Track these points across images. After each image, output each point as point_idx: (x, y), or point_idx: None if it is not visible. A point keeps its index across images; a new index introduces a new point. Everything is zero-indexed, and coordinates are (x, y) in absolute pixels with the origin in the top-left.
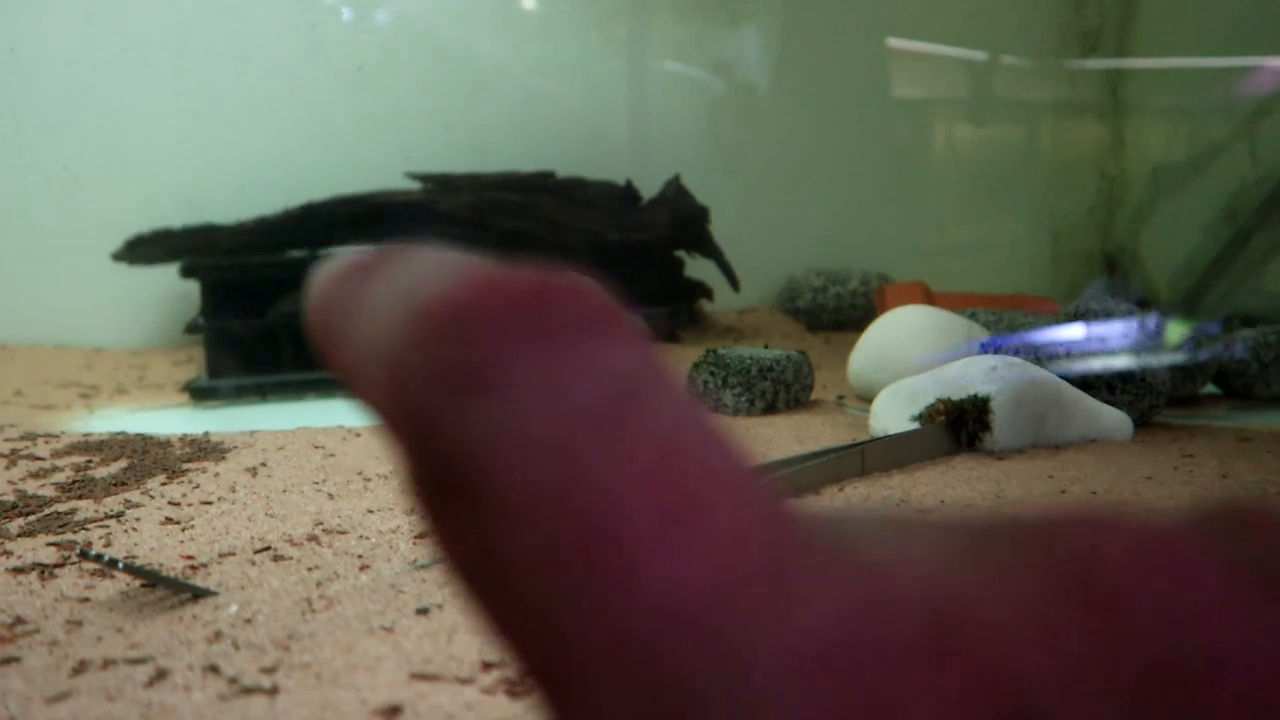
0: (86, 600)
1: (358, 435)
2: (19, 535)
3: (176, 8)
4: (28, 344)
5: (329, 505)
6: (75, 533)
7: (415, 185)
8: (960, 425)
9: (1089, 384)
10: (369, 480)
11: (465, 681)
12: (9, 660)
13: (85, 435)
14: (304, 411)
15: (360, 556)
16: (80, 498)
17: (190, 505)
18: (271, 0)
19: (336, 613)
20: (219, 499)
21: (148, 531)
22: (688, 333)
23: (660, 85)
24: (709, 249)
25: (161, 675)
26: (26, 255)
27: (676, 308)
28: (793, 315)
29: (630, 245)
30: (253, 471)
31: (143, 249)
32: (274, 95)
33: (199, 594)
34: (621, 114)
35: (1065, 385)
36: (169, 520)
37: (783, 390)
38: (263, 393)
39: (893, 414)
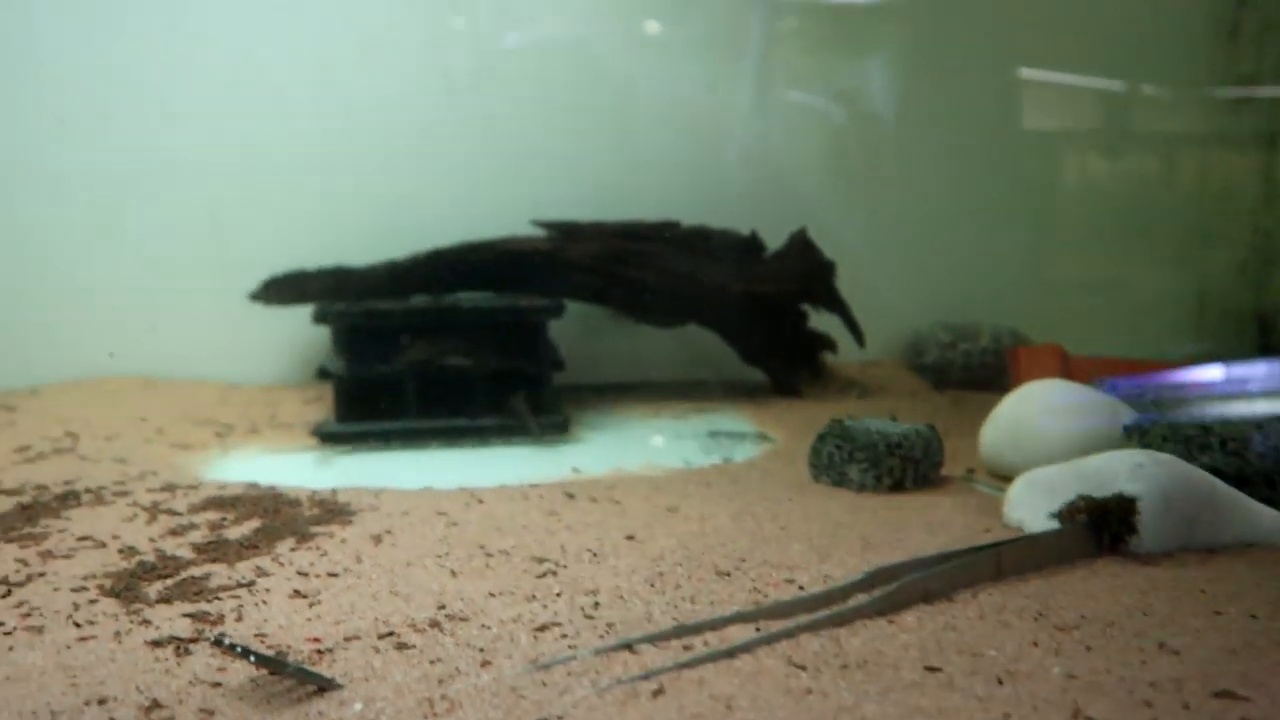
0: (219, 685)
1: (480, 501)
2: (157, 601)
3: (318, 60)
4: (169, 378)
5: (451, 585)
6: (209, 601)
7: (541, 232)
8: (1103, 526)
9: (1246, 479)
10: (490, 556)
11: None
12: None
13: (221, 487)
14: (427, 462)
15: (481, 650)
16: (214, 560)
17: (318, 576)
18: (407, 52)
19: (458, 718)
20: (345, 570)
21: (277, 605)
22: (810, 386)
23: (784, 124)
24: (834, 303)
25: None
26: (172, 294)
27: (799, 360)
28: (918, 371)
29: (753, 297)
30: (377, 539)
31: (278, 290)
32: (408, 143)
33: (325, 686)
34: (745, 159)
35: (1219, 483)
36: (297, 594)
37: (911, 468)
38: (386, 439)
39: (1029, 506)
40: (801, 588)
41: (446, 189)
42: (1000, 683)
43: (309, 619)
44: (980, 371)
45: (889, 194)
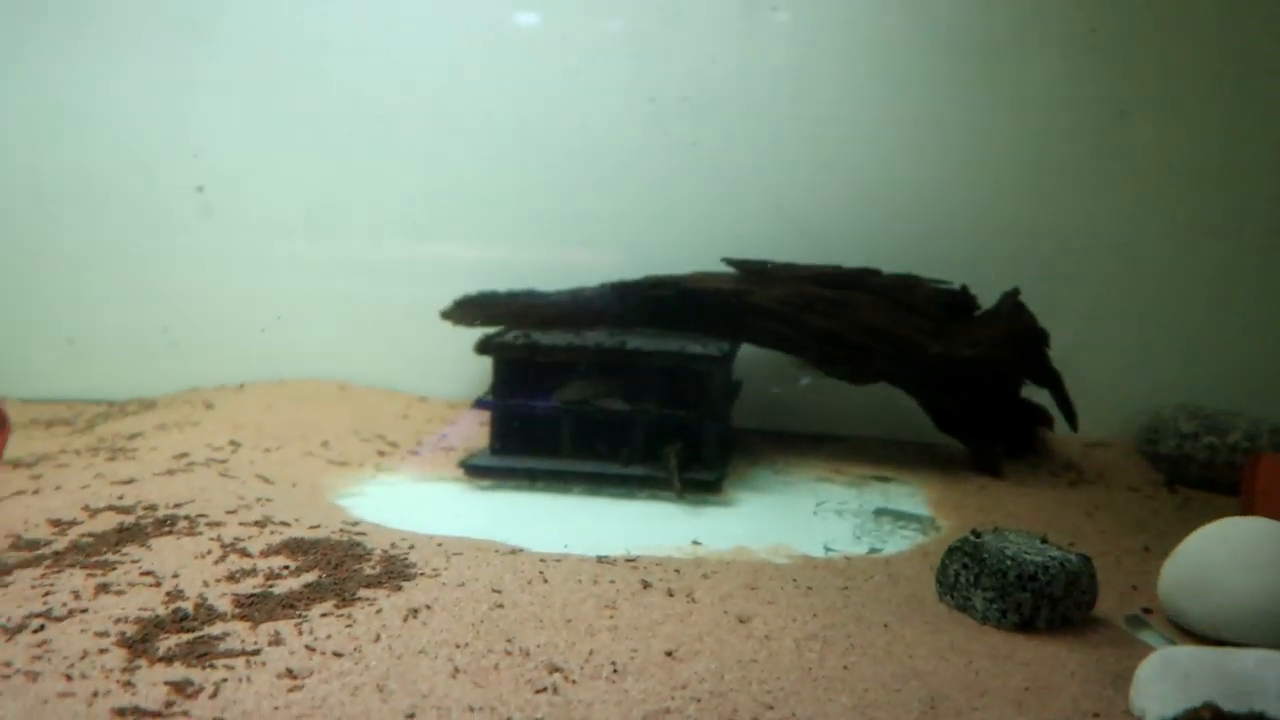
0: None
1: (545, 581)
2: (159, 660)
3: (525, 80)
4: (365, 385)
5: (441, 687)
6: (204, 669)
7: (729, 270)
8: None
9: None
10: (508, 655)
11: None
12: None
13: (312, 528)
14: (560, 510)
15: None
16: (243, 618)
17: (322, 655)
18: (613, 74)
19: None
20: (353, 650)
21: (260, 685)
22: (1019, 464)
23: (1004, 171)
24: (1045, 376)
25: None
26: (376, 306)
27: (1000, 435)
28: (1152, 461)
29: (952, 361)
30: (413, 614)
31: (469, 309)
32: (610, 165)
33: None
34: (963, 205)
35: None
36: (288, 673)
37: (1046, 605)
38: (532, 478)
39: (1159, 697)
40: None
41: (650, 215)
42: None
43: (276, 707)
44: (1226, 472)
45: (1126, 252)
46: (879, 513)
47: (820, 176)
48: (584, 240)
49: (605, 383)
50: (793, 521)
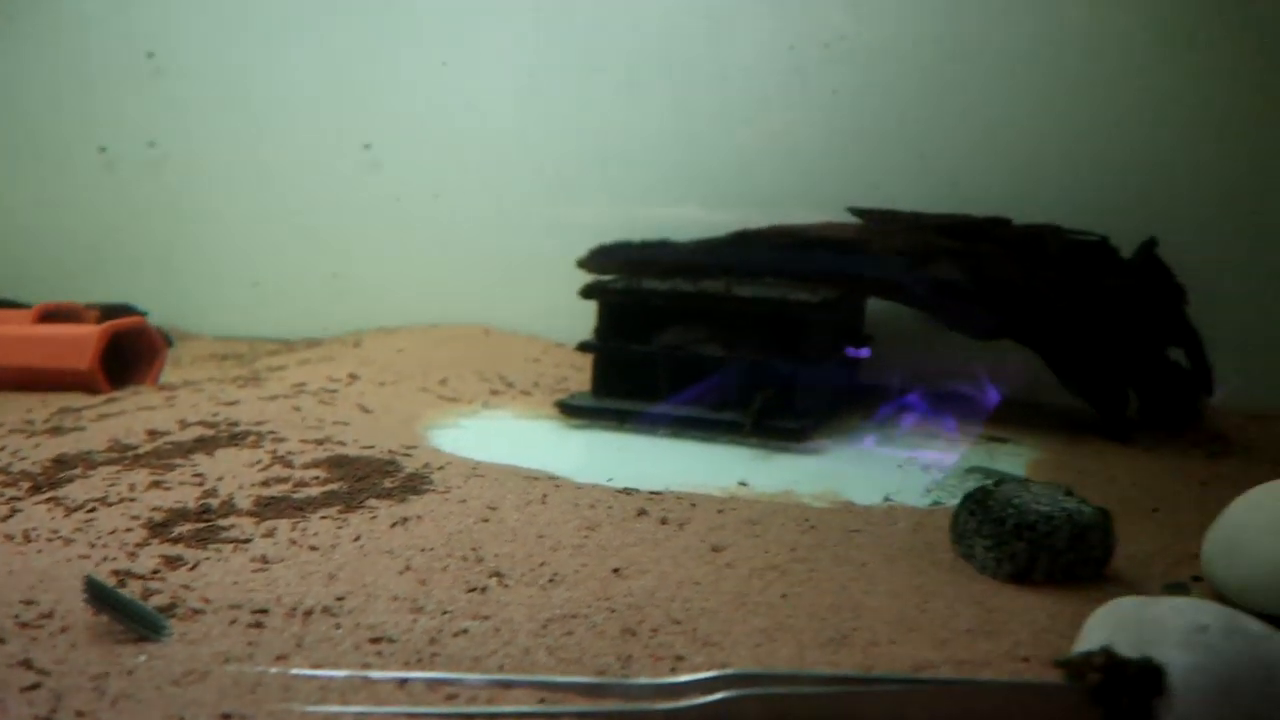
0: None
1: (544, 502)
2: (167, 540)
3: (669, 31)
4: (510, 330)
5: (383, 582)
6: (200, 548)
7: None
8: (1115, 700)
9: None
10: (464, 561)
11: None
12: None
13: (367, 449)
14: (634, 446)
15: (299, 647)
16: (253, 516)
17: (299, 548)
18: (753, 22)
19: (194, 693)
20: (329, 547)
21: (233, 565)
22: (1160, 433)
23: (1187, 114)
24: (1182, 335)
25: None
26: (523, 256)
27: (1143, 399)
28: None
29: (1081, 316)
30: (403, 521)
31: (603, 258)
32: (749, 115)
33: (147, 636)
34: (1128, 156)
35: None
36: (262, 559)
37: (1045, 557)
38: (621, 419)
39: (1092, 641)
40: (673, 669)
41: (790, 164)
42: None
43: (235, 583)
44: None
45: None
46: (969, 470)
47: (963, 123)
48: (722, 189)
49: (706, 329)
50: (868, 472)
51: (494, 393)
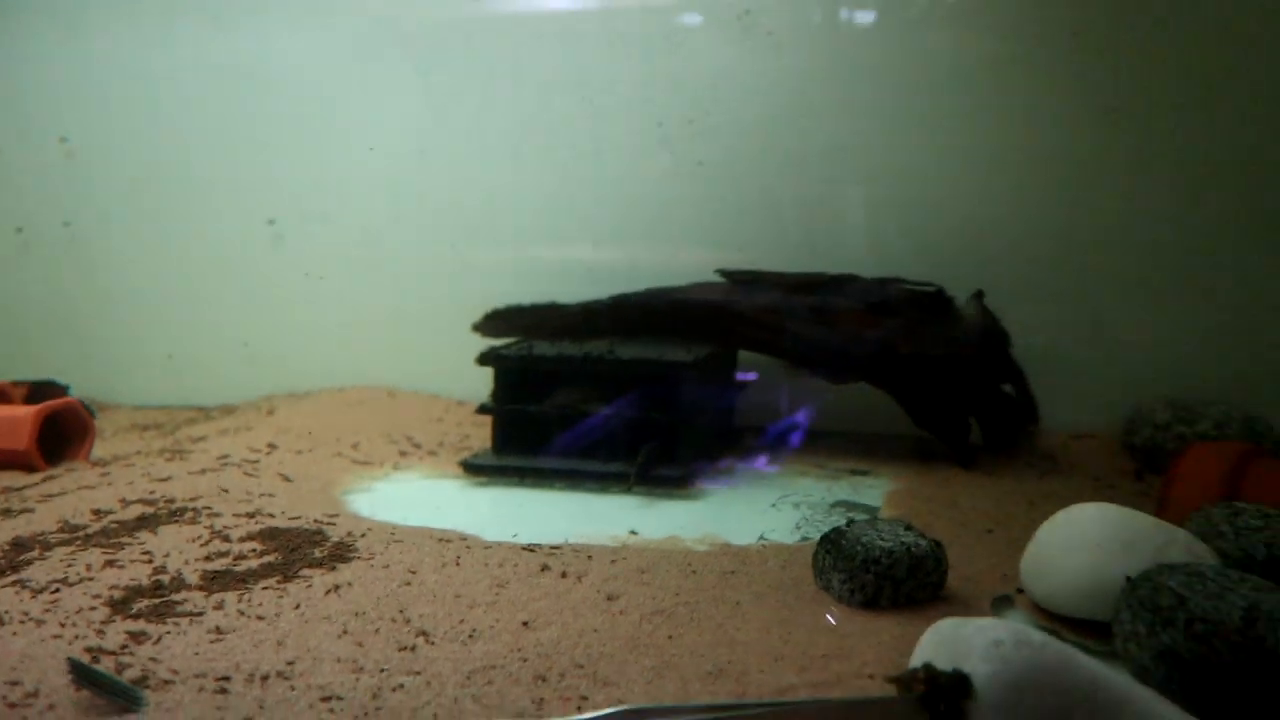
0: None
1: (458, 563)
2: (129, 616)
3: (551, 109)
4: (412, 390)
5: (326, 643)
6: (158, 624)
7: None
8: (935, 706)
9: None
10: (394, 622)
11: None
12: None
13: (292, 519)
14: (531, 503)
15: (262, 709)
16: (203, 589)
17: (248, 618)
18: (625, 101)
19: None
20: (274, 616)
21: (190, 638)
22: (998, 457)
23: (1000, 174)
24: (1009, 372)
25: None
26: (421, 317)
27: (983, 429)
28: (1130, 452)
29: (922, 359)
30: (335, 589)
31: (497, 322)
32: (623, 186)
33: (127, 707)
34: (960, 213)
35: (1112, 677)
36: (217, 630)
37: (889, 586)
38: (521, 475)
39: (920, 659)
40: (579, 708)
41: (664, 232)
42: None
43: (196, 654)
44: None
45: (1132, 234)
46: (834, 505)
47: (819, 189)
48: (602, 256)
49: (593, 388)
50: (744, 514)
51: (402, 454)
